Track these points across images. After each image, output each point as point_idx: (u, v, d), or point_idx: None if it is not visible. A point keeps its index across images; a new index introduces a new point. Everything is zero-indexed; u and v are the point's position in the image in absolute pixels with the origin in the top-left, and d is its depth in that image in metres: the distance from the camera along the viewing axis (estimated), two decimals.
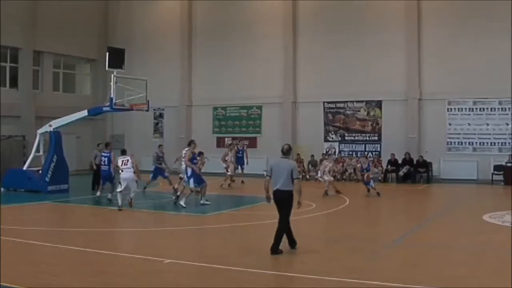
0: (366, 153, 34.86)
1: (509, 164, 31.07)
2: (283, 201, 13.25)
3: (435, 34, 34.39)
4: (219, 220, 19.05)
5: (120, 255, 13.18)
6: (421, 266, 12.30)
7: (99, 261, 12.77)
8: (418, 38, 34.78)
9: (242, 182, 30.23)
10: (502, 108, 32.92)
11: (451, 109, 34.06)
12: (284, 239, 13.30)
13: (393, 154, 33.41)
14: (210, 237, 16.51)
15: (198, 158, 22.17)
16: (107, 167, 23.73)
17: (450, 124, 34.06)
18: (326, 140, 37.22)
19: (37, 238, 15.09)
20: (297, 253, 13.30)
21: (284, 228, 13.26)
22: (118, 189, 21.26)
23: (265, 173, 14.48)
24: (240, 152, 30.83)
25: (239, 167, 30.59)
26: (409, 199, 26.89)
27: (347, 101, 36.84)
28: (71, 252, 13.56)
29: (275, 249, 13.01)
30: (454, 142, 33.91)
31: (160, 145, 28.74)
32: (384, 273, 11.47)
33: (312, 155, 35.77)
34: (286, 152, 13.70)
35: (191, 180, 21.61)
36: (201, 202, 21.86)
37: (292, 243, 13.48)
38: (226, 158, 29.81)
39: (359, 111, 36.64)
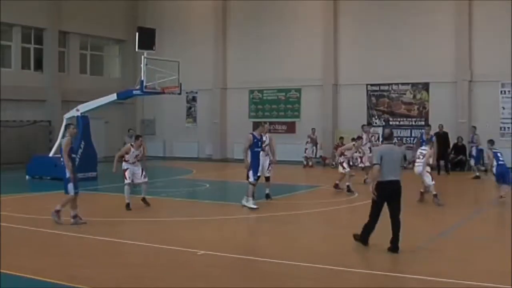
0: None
1: None
2: (398, 193, 12.81)
3: (486, 11, 33.84)
4: (256, 210, 19.06)
5: (151, 246, 13.28)
6: (470, 260, 12.23)
7: (128, 252, 12.91)
8: (469, 15, 34.24)
9: None
10: None
11: (504, 91, 33.58)
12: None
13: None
14: (246, 227, 16.60)
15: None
16: None
17: (503, 108, 33.59)
18: (369, 125, 37.01)
19: (63, 228, 15.27)
20: (339, 246, 13.30)
21: (399, 221, 12.72)
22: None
23: (373, 161, 13.52)
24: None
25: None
26: (459, 189, 26.67)
27: (391, 84, 36.54)
28: (99, 243, 13.73)
29: (396, 247, 12.52)
30: (508, 128, 33.48)
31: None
32: (430, 267, 11.41)
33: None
34: (389, 137, 13.49)
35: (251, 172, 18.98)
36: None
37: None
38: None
39: (404, 94, 36.33)
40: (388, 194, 12.67)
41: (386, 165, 12.57)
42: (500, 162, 21.38)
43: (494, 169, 21.48)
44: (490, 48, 33.62)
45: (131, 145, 19.63)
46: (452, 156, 32.36)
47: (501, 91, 33.62)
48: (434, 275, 10.70)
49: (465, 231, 15.83)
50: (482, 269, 11.32)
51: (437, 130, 31.48)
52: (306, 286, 10.51)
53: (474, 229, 16.14)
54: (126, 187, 19.26)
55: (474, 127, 31.74)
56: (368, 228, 12.91)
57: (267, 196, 20.36)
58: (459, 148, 32.70)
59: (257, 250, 13.01)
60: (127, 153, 19.42)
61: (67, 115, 28.81)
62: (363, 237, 12.98)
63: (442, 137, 31.28)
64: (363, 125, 30.02)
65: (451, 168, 31.54)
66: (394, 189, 12.69)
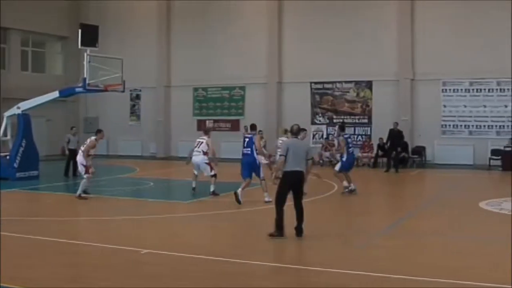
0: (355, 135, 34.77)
1: (507, 149, 31.13)
2: (301, 182, 13.90)
3: (429, 9, 34.33)
4: (199, 208, 18.99)
5: (95, 246, 13.12)
6: (413, 256, 12.34)
7: (72, 252, 12.71)
8: (411, 14, 34.74)
9: None
10: (500, 89, 32.98)
11: (446, 90, 34.10)
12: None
13: (381, 139, 33.30)
14: (190, 225, 16.48)
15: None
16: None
17: (444, 106, 34.12)
18: (313, 123, 37.21)
19: (4, 228, 14.97)
20: (284, 243, 13.30)
21: (301, 204, 13.85)
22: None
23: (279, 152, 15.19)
24: None
25: None
26: (401, 186, 26.98)
27: (335, 82, 36.81)
28: (42, 243, 13.50)
29: (301, 229, 13.70)
30: (449, 125, 33.97)
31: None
32: (375, 263, 11.48)
33: None
34: (297, 132, 14.41)
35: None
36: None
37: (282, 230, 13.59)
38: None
39: (348, 92, 36.63)
40: (292, 183, 13.74)
41: (291, 157, 13.71)
42: (350, 150, 21.74)
43: (344, 158, 21.55)
44: (431, 46, 34.11)
45: (95, 139, 20.49)
46: (394, 153, 32.33)
47: (442, 89, 34.09)
48: (379, 271, 10.72)
49: (408, 228, 15.97)
50: (425, 264, 11.41)
51: (392, 127, 32.28)
52: (246, 284, 10.50)
53: (417, 226, 16.28)
54: (85, 180, 20.21)
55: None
56: (279, 218, 13.54)
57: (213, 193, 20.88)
58: (399, 145, 32.55)
59: (201, 248, 12.91)
60: (93, 148, 20.30)
61: (7, 113, 28.31)
62: (278, 230, 13.48)
63: (395, 134, 31.68)
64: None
65: (393, 165, 31.63)
66: (297, 178, 13.79)
